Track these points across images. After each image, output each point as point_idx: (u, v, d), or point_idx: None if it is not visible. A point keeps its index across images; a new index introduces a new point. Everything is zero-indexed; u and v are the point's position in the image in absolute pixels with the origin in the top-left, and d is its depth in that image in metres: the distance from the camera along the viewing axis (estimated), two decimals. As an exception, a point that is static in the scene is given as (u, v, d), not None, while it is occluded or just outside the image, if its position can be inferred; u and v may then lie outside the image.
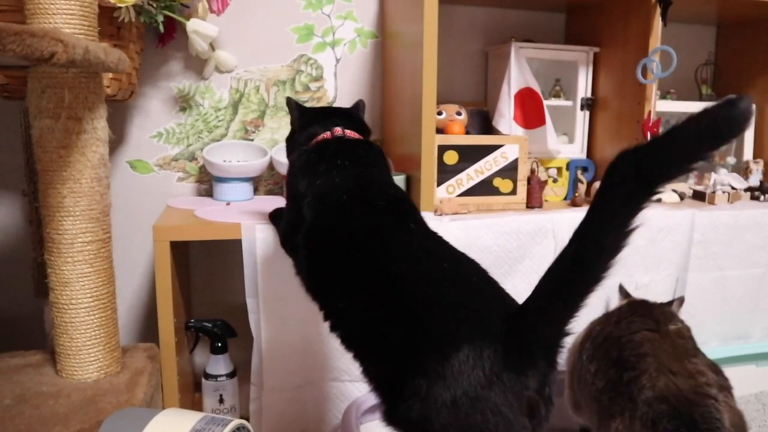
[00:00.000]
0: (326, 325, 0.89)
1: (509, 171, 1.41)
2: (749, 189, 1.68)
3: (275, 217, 1.19)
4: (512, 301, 0.79)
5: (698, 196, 1.66)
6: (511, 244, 1.34)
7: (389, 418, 0.74)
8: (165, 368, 1.22)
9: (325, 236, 0.89)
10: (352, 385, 1.32)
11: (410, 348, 0.72)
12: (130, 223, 1.48)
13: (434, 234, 0.93)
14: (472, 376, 0.67)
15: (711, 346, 1.60)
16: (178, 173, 1.51)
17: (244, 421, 0.89)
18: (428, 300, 0.74)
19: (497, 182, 1.40)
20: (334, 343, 1.27)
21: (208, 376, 1.38)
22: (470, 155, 1.37)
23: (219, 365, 1.38)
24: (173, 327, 1.21)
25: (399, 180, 1.35)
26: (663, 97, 1.73)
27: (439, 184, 1.36)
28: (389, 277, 0.78)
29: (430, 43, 1.25)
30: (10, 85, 1.16)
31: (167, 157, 1.50)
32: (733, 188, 1.66)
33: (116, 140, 1.47)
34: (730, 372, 1.56)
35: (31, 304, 1.36)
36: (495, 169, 1.40)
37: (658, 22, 1.39)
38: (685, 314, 1.52)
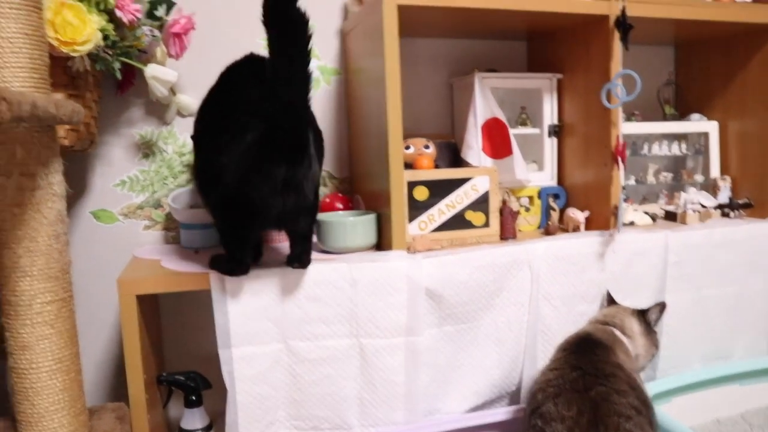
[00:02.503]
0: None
1: (481, 203, 1.39)
2: (719, 206, 1.69)
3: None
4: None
5: (670, 216, 1.66)
6: (487, 278, 1.32)
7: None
8: (137, 428, 1.17)
9: None
10: (333, 432, 1.28)
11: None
12: (96, 276, 1.43)
13: None
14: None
15: (693, 368, 1.59)
16: (144, 221, 1.47)
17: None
18: None
19: (469, 215, 1.39)
20: (313, 390, 1.24)
21: (182, 431, 1.32)
22: (440, 190, 1.36)
23: (194, 419, 1.33)
24: (143, 383, 1.17)
25: (369, 219, 1.33)
26: (627, 119, 1.74)
27: (410, 221, 1.34)
28: None
29: (392, 77, 1.24)
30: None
31: (132, 205, 1.46)
32: (703, 206, 1.67)
33: (78, 191, 1.43)
34: (713, 393, 1.58)
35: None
36: (466, 202, 1.38)
37: (618, 47, 1.40)
38: (665, 337, 1.52)
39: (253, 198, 1.05)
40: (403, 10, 1.24)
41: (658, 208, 1.71)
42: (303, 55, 1.02)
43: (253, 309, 1.19)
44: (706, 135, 1.77)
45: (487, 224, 1.41)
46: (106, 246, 1.45)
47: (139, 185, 1.46)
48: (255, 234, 1.19)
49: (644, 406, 1.12)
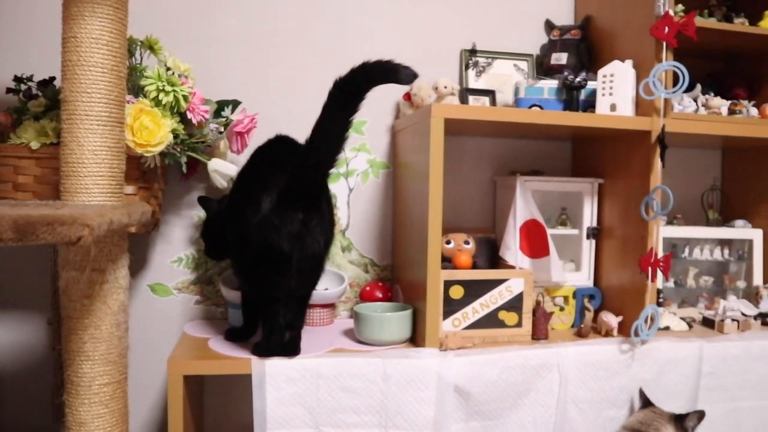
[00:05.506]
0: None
1: (514, 304, 1.44)
2: (760, 315, 1.68)
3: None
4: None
5: (707, 323, 1.66)
6: (516, 378, 1.36)
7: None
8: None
9: None
10: None
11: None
12: (149, 345, 1.54)
13: None
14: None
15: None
16: (196, 296, 1.58)
17: None
18: None
19: (502, 315, 1.44)
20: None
21: (215, 505, 1.39)
22: (476, 289, 1.42)
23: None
24: (183, 459, 1.24)
25: (405, 315, 1.39)
26: (670, 222, 1.77)
27: (445, 317, 1.40)
28: None
29: (436, 178, 1.32)
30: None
31: (186, 281, 1.58)
32: (743, 315, 1.67)
33: (139, 265, 1.55)
34: None
35: (48, 428, 1.41)
36: (500, 302, 1.44)
37: (657, 161, 1.45)
38: (698, 446, 1.51)
39: (272, 240, 1.17)
40: (449, 121, 1.33)
41: (697, 312, 1.71)
42: (344, 131, 1.18)
43: (289, 395, 1.26)
44: (750, 242, 1.77)
45: (519, 324, 1.45)
46: (159, 317, 1.56)
47: (194, 263, 1.57)
48: (278, 288, 1.25)
49: None
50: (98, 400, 1.07)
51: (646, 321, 1.44)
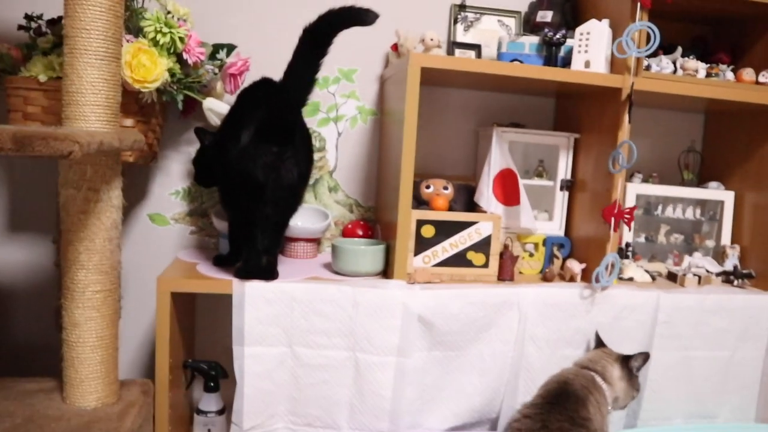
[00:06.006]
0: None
1: (482, 246, 1.55)
2: (724, 273, 1.76)
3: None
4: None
5: (671, 277, 1.75)
6: (478, 314, 1.48)
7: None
8: (158, 402, 1.39)
9: None
10: (324, 430, 1.46)
11: None
12: (146, 270, 1.67)
13: None
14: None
15: (675, 423, 1.67)
16: (191, 227, 1.71)
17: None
18: None
19: (471, 255, 1.54)
20: (311, 391, 1.43)
21: (199, 412, 1.54)
22: (446, 230, 1.52)
23: (210, 402, 1.55)
24: (168, 367, 1.39)
25: (378, 249, 1.51)
26: (645, 180, 1.85)
27: (416, 254, 1.51)
28: None
29: (410, 125, 1.42)
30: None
31: (182, 212, 1.71)
32: (707, 271, 1.75)
33: (139, 196, 1.68)
34: None
35: (53, 335, 1.56)
36: (469, 243, 1.54)
37: (626, 118, 1.52)
38: (649, 390, 1.62)
39: (249, 170, 1.30)
40: (428, 71, 1.42)
41: (664, 267, 1.80)
42: (313, 73, 1.34)
43: (265, 315, 1.39)
44: (721, 203, 1.84)
45: (486, 265, 1.56)
46: (157, 244, 1.69)
47: (191, 196, 1.70)
48: (255, 215, 1.37)
49: None
50: (91, 305, 1.21)
51: (607, 268, 1.54)
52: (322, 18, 1.28)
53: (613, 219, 1.53)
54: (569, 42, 1.60)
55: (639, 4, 1.48)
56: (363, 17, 1.30)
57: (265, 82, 1.38)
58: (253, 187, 1.30)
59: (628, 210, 1.53)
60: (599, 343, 1.54)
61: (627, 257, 1.76)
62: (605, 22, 1.55)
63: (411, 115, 1.42)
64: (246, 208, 1.35)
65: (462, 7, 1.77)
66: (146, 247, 1.69)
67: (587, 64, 1.55)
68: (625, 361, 1.47)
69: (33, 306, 1.66)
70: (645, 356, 1.48)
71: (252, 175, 1.29)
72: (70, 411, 1.21)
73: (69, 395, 1.23)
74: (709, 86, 1.61)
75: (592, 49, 1.55)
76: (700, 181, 1.92)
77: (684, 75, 1.65)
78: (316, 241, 1.69)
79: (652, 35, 1.46)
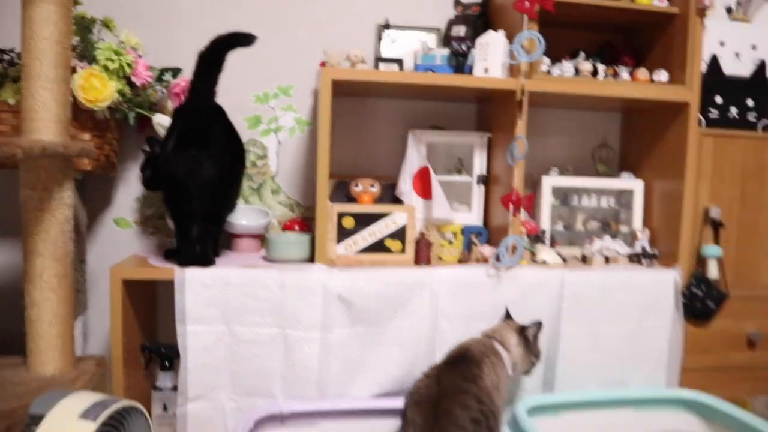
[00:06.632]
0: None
1: (399, 234, 1.75)
2: (634, 255, 1.94)
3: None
4: None
5: (584, 259, 1.93)
6: (393, 292, 1.67)
7: None
8: (115, 377, 1.61)
9: None
10: (261, 400, 1.65)
11: None
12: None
13: None
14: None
15: (589, 389, 1.83)
16: (151, 229, 1.95)
17: (135, 404, 1.25)
18: None
19: (388, 243, 1.75)
20: (247, 365, 1.63)
21: (156, 389, 1.76)
22: (365, 220, 1.73)
23: (166, 380, 1.76)
24: (121, 344, 1.60)
25: (303, 239, 1.72)
26: (562, 173, 2.04)
27: (339, 242, 1.72)
28: None
29: (324, 125, 1.64)
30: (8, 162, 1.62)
31: (144, 216, 1.95)
32: (618, 253, 1.93)
33: (105, 203, 1.92)
34: (610, 415, 1.80)
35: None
36: (386, 232, 1.74)
37: (519, 116, 1.72)
38: (563, 361, 1.79)
39: (173, 171, 1.54)
40: (338, 82, 1.65)
41: (580, 251, 1.98)
42: (212, 87, 1.63)
43: (204, 298, 1.60)
44: (631, 191, 2.02)
45: (403, 251, 1.76)
46: (121, 245, 1.93)
47: (150, 201, 1.94)
48: (182, 209, 1.63)
49: (485, 417, 1.38)
50: (48, 287, 1.44)
51: (509, 250, 1.73)
52: (214, 42, 1.58)
53: (511, 205, 1.72)
54: (474, 52, 1.82)
55: (525, 17, 1.69)
56: (244, 40, 1.61)
57: (189, 100, 1.63)
58: (178, 185, 1.54)
59: (525, 197, 1.73)
60: (507, 317, 1.72)
61: (542, 242, 1.94)
62: (501, 32, 1.77)
63: (324, 121, 1.64)
64: (177, 205, 1.59)
65: (386, 26, 2.00)
66: (112, 248, 1.93)
67: (486, 71, 1.76)
68: (522, 330, 1.65)
69: (12, 300, 1.89)
70: (538, 325, 1.65)
71: (174, 174, 1.53)
72: (30, 378, 1.44)
73: (31, 365, 1.46)
74: (595, 85, 1.81)
75: (490, 57, 1.76)
76: (612, 173, 2.10)
77: (581, 77, 1.85)
78: (260, 237, 1.91)
79: (539, 43, 1.67)
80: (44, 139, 1.37)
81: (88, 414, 1.17)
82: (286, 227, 1.91)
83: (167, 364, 1.76)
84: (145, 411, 1.29)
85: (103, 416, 1.16)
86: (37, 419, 1.15)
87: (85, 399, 1.21)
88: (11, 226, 1.90)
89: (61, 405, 1.18)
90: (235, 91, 1.86)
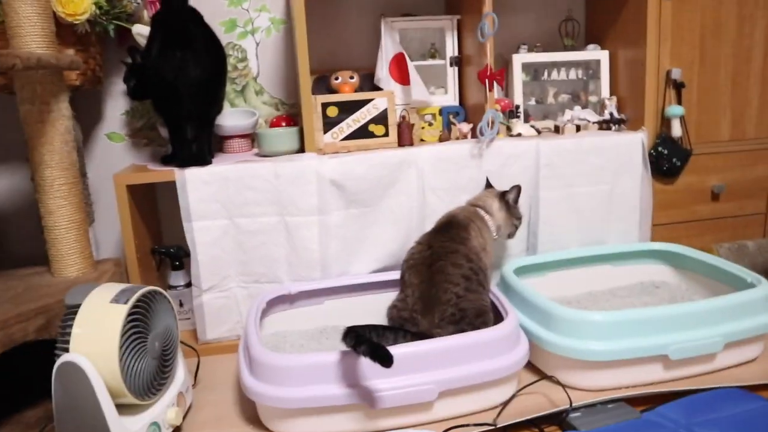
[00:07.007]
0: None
1: (381, 118, 1.84)
2: (603, 121, 2.06)
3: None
4: None
5: (556, 129, 2.05)
6: (381, 173, 1.78)
7: None
8: (131, 278, 1.73)
9: None
10: (269, 285, 1.79)
11: None
12: (111, 180, 1.99)
13: None
14: None
15: (570, 249, 1.99)
16: (144, 140, 2.03)
17: (158, 288, 1.38)
18: None
19: (372, 128, 1.84)
20: (253, 253, 1.75)
21: (169, 287, 1.89)
22: (348, 108, 1.81)
23: (178, 278, 1.89)
24: (134, 246, 1.72)
25: (291, 131, 1.82)
26: (530, 50, 2.12)
27: (325, 132, 1.81)
28: None
29: (300, 20, 1.69)
30: (7, 84, 1.67)
31: (134, 128, 2.02)
32: (588, 121, 2.04)
33: (96, 118, 1.99)
34: (590, 270, 1.96)
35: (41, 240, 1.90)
36: (369, 117, 1.83)
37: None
38: (544, 224, 1.93)
39: (161, 73, 1.60)
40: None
41: (553, 123, 2.10)
42: None
43: (206, 194, 1.71)
44: (598, 62, 2.12)
45: (386, 134, 1.85)
46: (117, 158, 2.01)
47: (139, 113, 2.01)
48: (176, 110, 1.71)
49: (475, 273, 1.52)
50: (59, 195, 1.54)
51: (488, 124, 1.83)
52: None
53: (486, 80, 1.81)
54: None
55: None
56: None
57: (162, 4, 1.68)
58: (167, 87, 1.61)
59: (497, 72, 1.82)
60: (488, 186, 1.85)
61: (517, 117, 2.05)
62: None
63: (300, 17, 1.69)
64: (170, 108, 1.66)
65: None
66: (108, 161, 2.01)
67: (450, -49, 1.81)
68: (502, 195, 1.78)
69: (23, 221, 2.00)
70: (517, 189, 1.77)
71: (163, 77, 1.59)
72: (57, 281, 1.56)
73: (55, 269, 1.58)
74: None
75: (453, -63, 1.80)
76: (579, 45, 2.19)
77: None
78: (249, 137, 2.00)
79: None
80: (36, 51, 1.42)
81: (119, 298, 1.29)
82: (273, 124, 2.00)
83: (177, 263, 1.88)
84: (167, 294, 1.41)
85: (133, 299, 1.29)
86: (74, 308, 1.27)
87: (113, 288, 1.33)
88: (10, 153, 1.97)
89: (94, 294, 1.30)
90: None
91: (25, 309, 1.36)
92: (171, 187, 1.70)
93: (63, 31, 1.64)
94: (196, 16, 1.70)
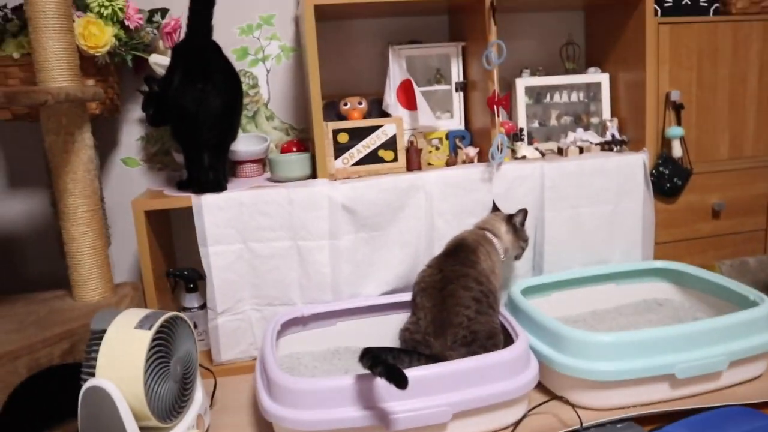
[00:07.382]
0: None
1: (390, 144, 1.89)
2: (605, 143, 2.11)
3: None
4: None
5: (559, 151, 2.10)
6: (391, 198, 1.83)
7: None
8: (148, 300, 1.78)
9: None
10: (282, 307, 1.83)
11: None
12: (127, 205, 2.01)
13: None
14: None
15: (574, 269, 2.03)
16: (158, 165, 2.08)
17: (179, 314, 1.43)
18: None
19: (381, 153, 1.89)
20: (266, 277, 1.80)
21: (183, 309, 1.93)
22: (358, 134, 1.87)
23: (192, 300, 1.94)
24: (151, 271, 1.77)
25: (303, 157, 1.87)
26: (533, 73, 2.18)
27: (336, 158, 1.87)
28: None
29: (311, 49, 1.75)
30: (30, 113, 1.73)
31: (149, 153, 2.07)
32: (590, 143, 2.10)
33: (112, 144, 2.04)
34: (594, 290, 2.01)
35: (59, 263, 1.94)
36: (378, 143, 1.89)
37: (491, 22, 1.84)
38: (548, 245, 1.98)
39: (181, 103, 1.67)
40: (319, 7, 1.75)
41: (556, 145, 2.15)
42: (208, 22, 1.73)
43: (221, 219, 1.76)
44: (599, 84, 2.18)
45: (395, 159, 1.91)
46: (133, 183, 2.07)
47: (154, 139, 2.06)
48: (195, 139, 1.76)
49: (485, 296, 1.56)
50: (82, 222, 1.59)
51: (498, 147, 1.88)
52: None
53: (495, 106, 1.87)
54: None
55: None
56: None
57: (185, 37, 1.74)
58: (188, 117, 1.66)
59: (503, 97, 1.88)
60: (495, 209, 1.90)
61: (521, 140, 2.11)
62: (466, -56, 1.87)
63: (311, 45, 1.75)
64: (189, 136, 1.72)
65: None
66: (124, 186, 2.07)
67: (455, -17, 1.87)
68: (510, 218, 1.83)
69: (40, 245, 2.05)
70: (524, 212, 1.82)
71: (185, 107, 1.65)
72: (79, 305, 1.61)
73: (76, 294, 1.63)
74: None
75: (458, -31, 1.87)
76: (580, 69, 2.25)
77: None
78: (261, 162, 2.05)
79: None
80: (64, 85, 1.48)
81: (143, 324, 1.34)
82: (284, 149, 2.05)
83: (192, 286, 1.93)
84: (187, 319, 1.46)
85: (156, 325, 1.34)
86: (100, 333, 1.32)
87: (137, 313, 1.38)
88: (28, 178, 2.02)
89: (118, 319, 1.35)
90: (220, 26, 1.94)
91: (50, 334, 1.41)
92: (185, 210, 1.75)
93: (84, 63, 1.69)
94: (216, 50, 1.75)
